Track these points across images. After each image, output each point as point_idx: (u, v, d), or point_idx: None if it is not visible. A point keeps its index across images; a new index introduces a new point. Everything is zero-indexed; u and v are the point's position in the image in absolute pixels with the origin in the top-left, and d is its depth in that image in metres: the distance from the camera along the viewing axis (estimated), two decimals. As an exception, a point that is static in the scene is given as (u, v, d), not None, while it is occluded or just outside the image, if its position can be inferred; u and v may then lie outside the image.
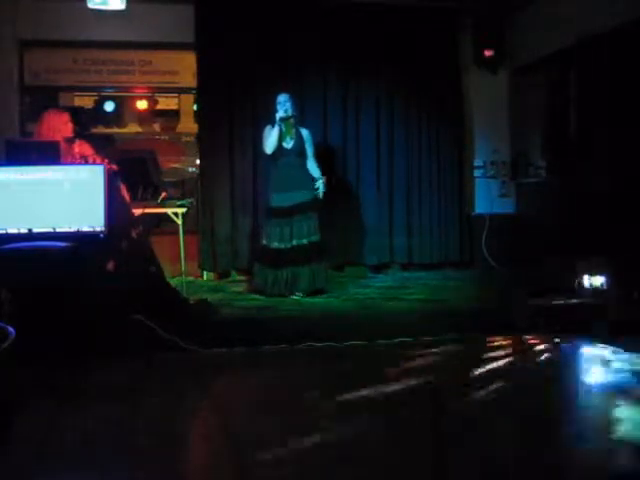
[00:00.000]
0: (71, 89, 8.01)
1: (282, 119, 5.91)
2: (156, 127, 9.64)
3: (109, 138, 7.69)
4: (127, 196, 5.15)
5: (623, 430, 3.03)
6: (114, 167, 4.90)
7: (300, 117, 6.19)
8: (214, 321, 5.11)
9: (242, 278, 7.17)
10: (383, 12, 7.43)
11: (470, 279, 7.16)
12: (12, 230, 4.57)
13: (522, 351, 4.57)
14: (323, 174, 6.12)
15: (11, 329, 3.41)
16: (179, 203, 5.77)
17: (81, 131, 5.52)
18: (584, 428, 3.17)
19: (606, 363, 4.22)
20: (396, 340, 4.72)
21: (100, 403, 3.50)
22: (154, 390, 3.74)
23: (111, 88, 7.99)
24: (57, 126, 5.04)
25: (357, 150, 7.57)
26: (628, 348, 4.49)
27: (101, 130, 8.46)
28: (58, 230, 4.58)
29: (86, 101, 8.49)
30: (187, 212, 5.89)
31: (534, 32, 7.37)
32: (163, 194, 5.58)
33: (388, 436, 3.08)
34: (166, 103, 9.33)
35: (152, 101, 8.93)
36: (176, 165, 9.32)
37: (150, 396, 3.63)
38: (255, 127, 7.16)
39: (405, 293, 6.23)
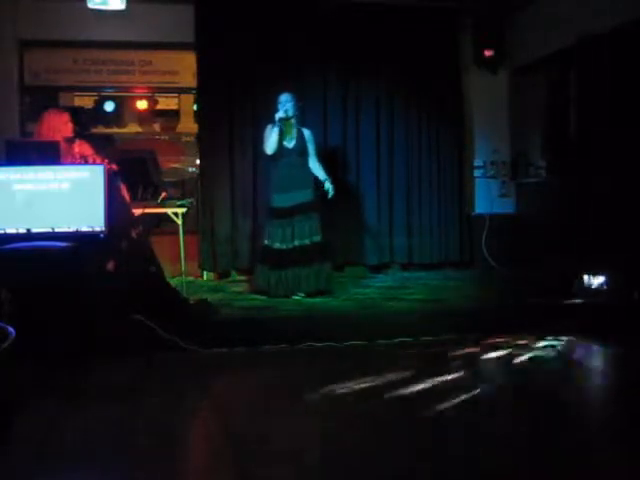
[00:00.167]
0: (71, 89, 8.00)
1: (281, 119, 5.90)
2: (156, 127, 9.64)
3: (109, 138, 7.67)
4: (127, 196, 5.15)
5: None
6: (114, 167, 4.90)
7: (301, 117, 6.16)
8: (214, 321, 5.11)
9: (242, 278, 7.17)
10: (383, 12, 7.43)
11: (470, 279, 7.16)
12: (11, 230, 4.57)
13: (520, 351, 4.56)
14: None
15: (11, 329, 3.40)
16: (179, 203, 5.76)
17: (81, 131, 5.51)
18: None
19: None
20: (396, 340, 4.72)
21: (100, 403, 3.51)
22: (154, 390, 3.75)
23: (111, 88, 7.98)
24: (57, 126, 5.04)
25: (357, 150, 7.56)
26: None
27: (101, 130, 8.45)
28: (58, 230, 4.59)
29: (86, 101, 8.49)
30: (187, 212, 5.88)
31: (534, 32, 7.36)
32: (163, 194, 5.58)
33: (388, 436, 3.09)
34: (166, 103, 9.32)
35: (152, 101, 8.93)
36: (176, 165, 9.31)
37: (150, 396, 3.63)
38: (255, 127, 7.15)
39: (405, 293, 6.23)
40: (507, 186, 7.95)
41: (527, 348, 4.57)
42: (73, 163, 4.96)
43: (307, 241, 5.94)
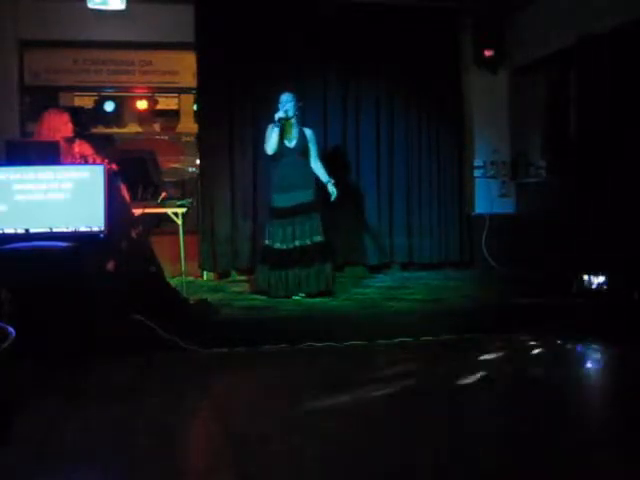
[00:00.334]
0: (71, 89, 8.00)
1: (280, 119, 5.89)
2: (156, 127, 9.64)
3: (109, 138, 7.67)
4: (127, 196, 5.15)
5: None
6: (114, 167, 4.90)
7: (301, 117, 6.15)
8: (214, 321, 5.11)
9: (242, 278, 7.17)
10: (383, 12, 7.42)
11: (470, 279, 7.16)
12: (9, 230, 4.57)
13: (520, 351, 4.56)
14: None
15: (11, 329, 3.40)
16: (179, 203, 5.76)
17: (81, 131, 5.51)
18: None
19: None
20: (396, 340, 4.72)
21: (100, 403, 3.51)
22: (154, 390, 3.75)
23: (111, 88, 7.98)
24: (57, 126, 5.04)
25: (357, 150, 7.56)
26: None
27: (101, 130, 8.45)
28: (58, 230, 4.59)
29: (86, 101, 8.49)
30: (187, 212, 5.88)
31: (534, 32, 7.36)
32: (163, 194, 5.58)
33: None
34: (166, 103, 9.32)
35: (152, 101, 8.93)
36: (176, 165, 9.31)
37: (150, 396, 3.63)
38: (255, 127, 7.16)
39: (405, 293, 6.23)
40: (507, 186, 7.95)
41: (527, 348, 4.58)
42: (73, 163, 4.96)
43: (308, 241, 5.93)
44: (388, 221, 7.64)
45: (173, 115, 9.48)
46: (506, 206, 7.92)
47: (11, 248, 4.47)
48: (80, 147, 5.13)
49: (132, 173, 5.27)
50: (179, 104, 9.28)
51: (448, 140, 7.79)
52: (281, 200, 5.95)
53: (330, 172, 6.21)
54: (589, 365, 4.47)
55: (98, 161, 4.93)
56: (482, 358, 4.44)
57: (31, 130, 6.53)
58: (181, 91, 8.24)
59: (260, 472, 2.70)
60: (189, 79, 7.50)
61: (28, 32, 7.01)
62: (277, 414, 3.36)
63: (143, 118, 9.29)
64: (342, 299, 5.94)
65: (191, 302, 5.33)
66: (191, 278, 6.73)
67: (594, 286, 5.54)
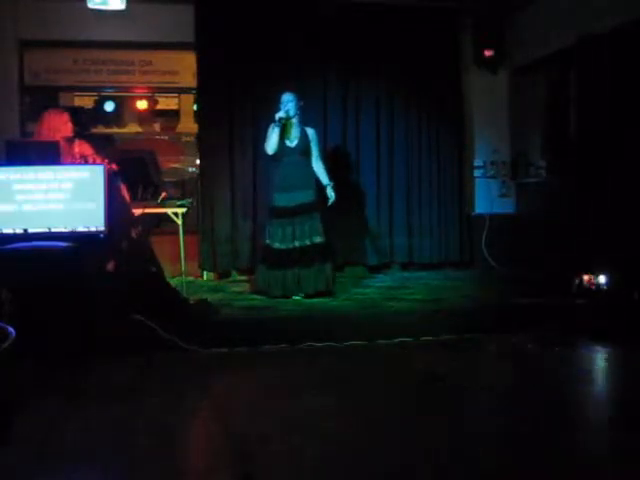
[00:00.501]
0: (71, 89, 8.01)
1: (281, 119, 5.88)
2: (156, 127, 9.65)
3: (109, 138, 7.69)
4: (127, 196, 5.15)
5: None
6: (114, 167, 4.90)
7: (303, 116, 6.15)
8: (214, 321, 5.11)
9: (242, 278, 7.17)
10: (383, 12, 7.43)
11: (470, 279, 7.16)
12: (9, 230, 4.57)
13: (520, 351, 4.56)
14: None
15: (11, 329, 3.41)
16: (179, 203, 5.76)
17: (81, 131, 5.52)
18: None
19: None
20: (396, 340, 4.72)
21: (100, 403, 3.51)
22: (154, 390, 3.75)
23: (111, 88, 7.99)
24: (57, 126, 5.04)
25: (357, 150, 7.57)
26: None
27: (101, 130, 8.46)
28: (58, 230, 4.59)
29: (86, 101, 8.50)
30: (187, 212, 5.88)
31: (534, 32, 7.36)
32: (163, 194, 5.58)
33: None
34: (166, 103, 9.34)
35: (152, 101, 8.94)
36: (176, 165, 9.33)
37: (150, 396, 3.63)
38: (255, 127, 7.16)
39: (405, 293, 6.23)
40: (507, 186, 7.95)
41: (527, 348, 4.58)
42: (73, 163, 4.96)
43: (307, 242, 5.92)
44: (388, 221, 7.64)
45: (173, 115, 9.49)
46: (506, 206, 7.92)
47: (11, 248, 4.47)
48: (80, 147, 5.13)
49: (132, 173, 5.27)
50: (179, 104, 9.29)
51: (448, 140, 7.79)
52: (282, 200, 5.94)
53: (330, 172, 6.21)
54: (589, 365, 4.47)
55: (98, 161, 4.93)
56: (482, 358, 4.44)
57: (31, 130, 6.53)
58: (181, 91, 8.25)
59: (260, 472, 2.70)
60: (189, 79, 7.50)
61: (28, 32, 7.02)
62: (277, 414, 3.36)
63: (143, 118, 9.30)
64: (342, 299, 5.94)
65: (191, 302, 5.33)
66: (191, 278, 6.73)
67: (594, 286, 5.54)
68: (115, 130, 8.79)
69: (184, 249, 5.92)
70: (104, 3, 6.33)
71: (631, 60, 5.90)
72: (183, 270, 6.01)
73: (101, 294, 4.42)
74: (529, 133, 7.75)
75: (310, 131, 6.07)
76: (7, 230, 4.58)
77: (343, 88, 7.54)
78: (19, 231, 4.58)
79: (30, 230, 4.58)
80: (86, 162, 4.97)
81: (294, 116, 5.95)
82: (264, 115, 6.62)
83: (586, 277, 5.57)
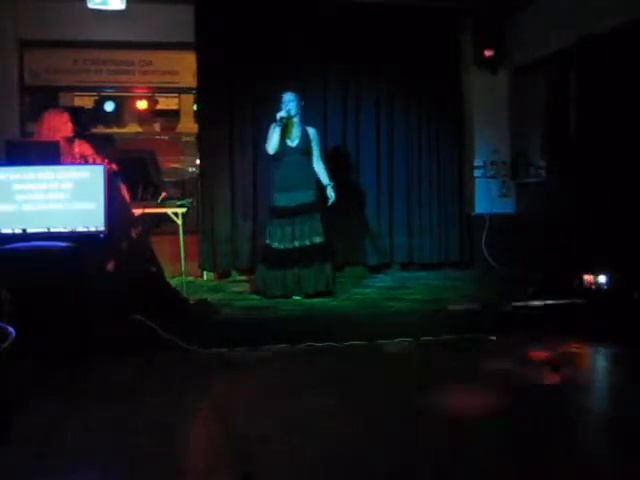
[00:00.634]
0: (71, 89, 8.01)
1: (282, 119, 5.88)
2: (156, 127, 9.65)
3: (109, 138, 7.69)
4: (127, 196, 5.16)
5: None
6: (114, 167, 4.90)
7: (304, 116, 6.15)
8: (214, 321, 5.11)
9: (242, 278, 7.17)
10: (383, 12, 7.43)
11: (470, 279, 7.16)
12: (9, 230, 4.57)
13: (523, 351, 4.56)
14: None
15: (11, 329, 3.41)
16: (179, 203, 5.76)
17: (81, 131, 5.52)
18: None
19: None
20: (396, 340, 4.72)
21: (100, 403, 3.51)
22: (154, 390, 3.75)
23: (111, 88, 7.99)
24: (57, 126, 5.04)
25: (357, 150, 7.57)
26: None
27: (101, 130, 8.46)
28: (58, 230, 4.59)
29: (86, 101, 8.50)
30: (187, 212, 5.88)
31: (534, 32, 7.36)
32: (163, 194, 5.58)
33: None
34: (166, 103, 9.34)
35: (152, 101, 8.93)
36: (176, 165, 9.32)
37: (150, 396, 3.63)
38: (255, 127, 7.17)
39: (405, 293, 6.23)
40: (507, 186, 7.95)
41: (527, 348, 4.58)
42: (73, 163, 4.96)
43: (307, 242, 5.92)
44: (388, 221, 7.64)
45: (173, 115, 9.49)
46: (506, 206, 7.92)
47: (11, 248, 4.47)
48: (80, 147, 5.13)
49: (132, 173, 5.27)
50: (179, 104, 9.29)
51: (448, 140, 7.79)
52: (282, 200, 5.94)
53: (330, 172, 6.21)
54: (589, 365, 4.47)
55: (98, 161, 4.93)
56: (482, 358, 4.44)
57: (31, 130, 6.53)
58: (181, 91, 8.25)
59: (260, 472, 2.70)
60: (189, 79, 7.50)
61: (28, 32, 7.02)
62: (277, 414, 3.36)
63: (143, 118, 9.30)
64: (342, 299, 5.94)
65: (191, 302, 5.33)
66: (191, 278, 6.73)
67: (594, 286, 5.54)
68: (115, 130, 8.79)
69: (184, 249, 5.92)
70: (104, 3, 6.33)
71: (631, 60, 5.90)
72: (183, 270, 6.01)
73: (101, 294, 4.43)
74: (529, 133, 7.75)
75: (311, 130, 6.06)
76: (8, 230, 4.57)
77: (343, 88, 7.54)
78: (18, 231, 4.58)
79: (30, 230, 4.58)
80: (86, 162, 4.97)
81: (295, 116, 5.95)
82: (264, 115, 6.63)
83: (586, 277, 5.57)
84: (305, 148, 5.99)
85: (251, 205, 7.31)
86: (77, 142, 5.16)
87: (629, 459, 2.81)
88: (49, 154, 4.78)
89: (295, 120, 5.97)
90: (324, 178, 6.06)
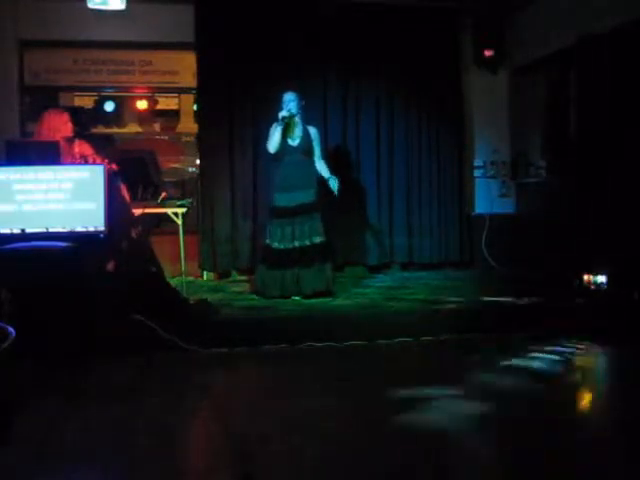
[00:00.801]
0: (71, 89, 8.01)
1: (283, 118, 5.87)
2: (156, 127, 9.65)
3: (109, 138, 7.69)
4: (127, 196, 5.16)
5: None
6: (114, 167, 4.90)
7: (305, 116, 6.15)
8: (214, 321, 5.11)
9: (242, 278, 7.17)
10: (383, 12, 7.42)
11: (470, 279, 7.16)
12: (8, 230, 4.57)
13: (520, 351, 4.56)
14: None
15: (11, 329, 3.41)
16: (179, 203, 5.76)
17: (81, 131, 5.52)
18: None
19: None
20: (396, 340, 4.72)
21: (100, 403, 3.51)
22: (154, 390, 3.75)
23: (111, 88, 7.98)
24: (57, 126, 5.04)
25: (357, 150, 7.56)
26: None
27: (101, 130, 8.46)
28: (58, 230, 4.59)
29: (86, 101, 8.50)
30: (187, 212, 5.88)
31: (534, 32, 7.36)
32: (163, 194, 5.58)
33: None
34: (166, 103, 9.34)
35: (152, 101, 8.93)
36: (176, 165, 9.32)
37: (150, 396, 3.63)
38: (255, 127, 7.16)
39: (405, 293, 6.23)
40: (507, 186, 7.94)
41: (526, 348, 4.58)
42: (73, 163, 4.96)
43: (307, 242, 5.91)
44: (388, 221, 7.64)
45: (173, 115, 9.49)
46: (506, 206, 7.91)
47: (11, 248, 4.47)
48: (80, 147, 5.13)
49: (132, 173, 5.27)
50: (179, 104, 9.29)
51: (448, 140, 7.79)
52: (282, 200, 5.93)
53: (330, 171, 6.20)
54: (589, 365, 4.47)
55: (98, 161, 4.93)
56: (481, 358, 4.44)
57: (31, 130, 6.53)
58: (181, 91, 8.25)
59: (260, 472, 2.70)
60: (189, 79, 7.50)
61: (28, 32, 7.01)
62: (277, 414, 3.36)
63: (143, 118, 9.30)
64: (342, 299, 5.94)
65: (191, 302, 5.33)
66: (191, 278, 6.73)
67: (594, 286, 5.54)
68: (115, 130, 8.79)
69: (184, 249, 5.92)
70: (104, 3, 6.33)
71: (631, 60, 5.90)
72: (183, 270, 6.01)
73: (101, 294, 4.43)
74: (529, 133, 7.75)
75: (312, 130, 6.06)
76: (8, 230, 4.57)
77: (343, 88, 7.53)
78: (17, 231, 4.57)
79: (30, 230, 4.58)
80: (86, 162, 4.97)
81: (296, 115, 5.95)
82: (264, 115, 6.62)
83: (586, 277, 5.57)
84: (306, 147, 5.98)
85: (251, 205, 7.31)
86: (77, 142, 5.16)
87: (629, 459, 2.81)
88: (49, 154, 4.78)
89: (296, 120, 5.97)
90: (325, 173, 6.03)
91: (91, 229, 4.59)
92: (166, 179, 7.17)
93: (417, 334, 4.82)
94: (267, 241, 6.04)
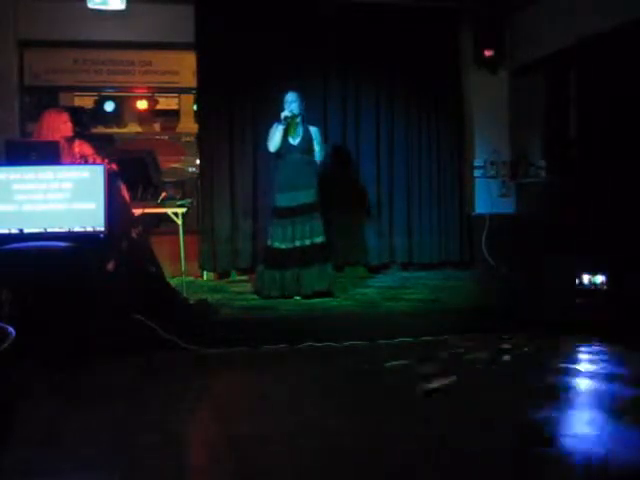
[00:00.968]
0: (71, 89, 8.01)
1: (286, 118, 5.88)
2: (156, 127, 9.66)
3: (109, 138, 7.70)
4: (127, 196, 5.16)
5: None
6: (114, 167, 4.90)
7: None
8: (214, 321, 5.11)
9: (242, 278, 7.17)
10: (383, 12, 7.43)
11: (470, 279, 7.16)
12: (8, 231, 4.57)
13: (519, 351, 4.56)
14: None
15: (11, 329, 3.40)
16: (179, 203, 5.77)
17: (81, 131, 5.52)
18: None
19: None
20: (396, 340, 4.72)
21: (100, 403, 3.51)
22: (154, 390, 3.75)
23: (111, 88, 7.99)
24: (56, 126, 5.04)
25: (357, 150, 7.57)
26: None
27: (101, 130, 8.46)
28: (58, 230, 4.59)
29: (86, 101, 8.50)
30: (187, 212, 5.88)
31: (534, 32, 7.36)
32: (163, 194, 5.59)
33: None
34: (166, 103, 9.35)
35: (152, 101, 8.94)
36: (176, 165, 9.33)
37: (150, 396, 3.63)
38: (255, 127, 7.17)
39: (405, 293, 6.23)
40: (507, 186, 7.94)
41: (526, 348, 4.58)
42: (73, 163, 4.96)
43: (308, 242, 5.92)
44: (388, 221, 7.64)
45: (173, 115, 9.50)
46: (506, 206, 7.91)
47: (12, 248, 4.47)
48: (80, 147, 5.13)
49: (132, 173, 5.27)
50: (179, 104, 9.30)
51: (448, 140, 7.80)
52: (284, 200, 5.95)
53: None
54: (589, 365, 4.47)
55: (98, 161, 4.93)
56: (482, 358, 4.44)
57: (31, 130, 6.52)
58: (181, 91, 8.26)
59: (260, 472, 2.70)
60: (189, 79, 7.50)
61: (28, 32, 7.01)
62: (277, 414, 3.36)
63: (143, 118, 9.31)
64: (342, 299, 5.94)
65: (191, 302, 5.33)
66: (191, 278, 6.73)
67: (594, 286, 5.54)
68: (115, 130, 8.80)
69: (184, 249, 5.92)
70: (104, 3, 6.33)
71: (631, 60, 5.89)
72: (183, 270, 6.01)
73: (101, 294, 4.43)
74: (529, 133, 7.75)
75: (313, 129, 6.07)
76: (8, 230, 4.57)
77: (343, 88, 7.54)
78: (15, 231, 4.57)
79: (30, 230, 4.58)
80: (86, 162, 4.97)
81: (299, 114, 5.95)
82: (264, 115, 6.63)
83: (586, 277, 5.57)
84: (306, 147, 5.99)
85: (251, 205, 7.31)
86: (77, 142, 5.16)
87: (629, 459, 2.81)
88: (49, 154, 4.78)
89: (298, 119, 5.97)
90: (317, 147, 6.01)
91: (91, 229, 4.59)
92: (166, 179, 7.17)
93: (417, 334, 4.82)
94: (269, 242, 6.04)
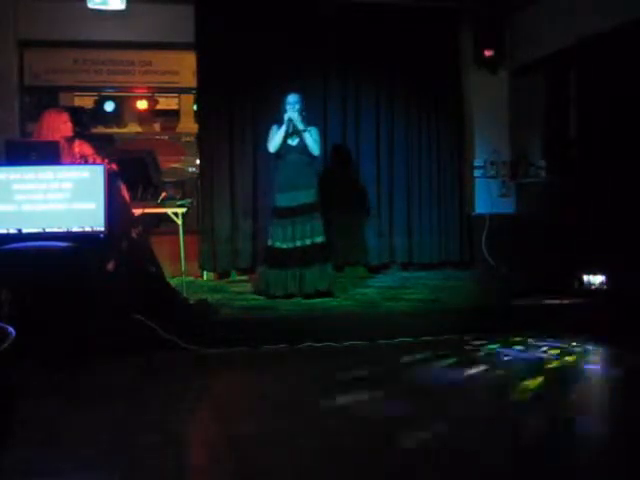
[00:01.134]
0: (71, 89, 8.01)
1: (291, 120, 5.88)
2: (156, 127, 9.66)
3: (109, 138, 7.69)
4: (127, 196, 5.16)
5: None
6: (114, 167, 4.90)
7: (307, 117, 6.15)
8: (214, 321, 5.11)
9: (242, 278, 7.17)
10: (383, 12, 7.42)
11: (470, 279, 7.16)
12: (8, 231, 4.57)
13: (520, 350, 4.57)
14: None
15: (11, 329, 3.40)
16: (179, 203, 5.77)
17: (81, 131, 5.52)
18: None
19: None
20: (396, 340, 4.72)
21: (100, 403, 3.51)
22: (154, 390, 3.75)
23: (111, 88, 7.98)
24: (56, 126, 5.04)
25: (357, 150, 7.56)
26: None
27: (101, 130, 8.46)
28: (58, 230, 4.59)
29: (86, 101, 8.50)
30: (187, 212, 5.88)
31: (534, 32, 7.36)
32: (163, 194, 5.59)
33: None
34: (166, 103, 9.34)
35: (152, 101, 8.94)
36: (176, 165, 9.33)
37: (150, 396, 3.63)
38: (255, 127, 7.16)
39: (405, 293, 6.23)
40: (507, 186, 7.94)
41: (527, 348, 4.58)
42: (73, 163, 4.96)
43: (308, 242, 5.92)
44: (388, 221, 7.64)
45: (173, 115, 9.50)
46: (506, 206, 7.91)
47: (12, 248, 4.47)
48: (80, 147, 5.13)
49: (132, 173, 5.27)
50: (179, 104, 9.30)
51: (448, 140, 7.79)
52: (284, 200, 5.94)
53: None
54: (588, 365, 4.47)
55: (98, 161, 4.93)
56: (481, 357, 4.44)
57: (31, 130, 6.52)
58: (181, 91, 8.25)
59: (260, 472, 2.70)
60: (189, 79, 7.50)
61: (28, 32, 7.01)
62: (277, 414, 3.36)
63: (143, 118, 9.31)
64: (342, 299, 5.94)
65: (191, 302, 5.33)
66: (191, 278, 6.73)
67: (594, 286, 5.54)
68: (115, 130, 8.79)
69: (184, 249, 5.92)
70: (104, 3, 6.32)
71: (631, 60, 5.90)
72: (183, 270, 6.01)
73: (101, 294, 4.43)
74: (529, 133, 7.75)
75: (313, 130, 6.07)
76: (8, 230, 4.57)
77: (343, 88, 7.53)
78: (14, 231, 4.57)
79: (30, 230, 4.58)
80: (86, 162, 4.97)
81: (300, 116, 5.95)
82: (264, 115, 6.62)
83: (586, 277, 5.57)
84: (305, 147, 5.99)
85: (251, 205, 7.30)
86: (77, 142, 5.16)
87: (629, 459, 2.81)
88: (49, 154, 4.78)
89: (299, 120, 5.97)
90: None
91: (91, 229, 4.59)
92: (166, 179, 7.17)
93: (417, 334, 4.82)
94: (269, 242, 6.04)
